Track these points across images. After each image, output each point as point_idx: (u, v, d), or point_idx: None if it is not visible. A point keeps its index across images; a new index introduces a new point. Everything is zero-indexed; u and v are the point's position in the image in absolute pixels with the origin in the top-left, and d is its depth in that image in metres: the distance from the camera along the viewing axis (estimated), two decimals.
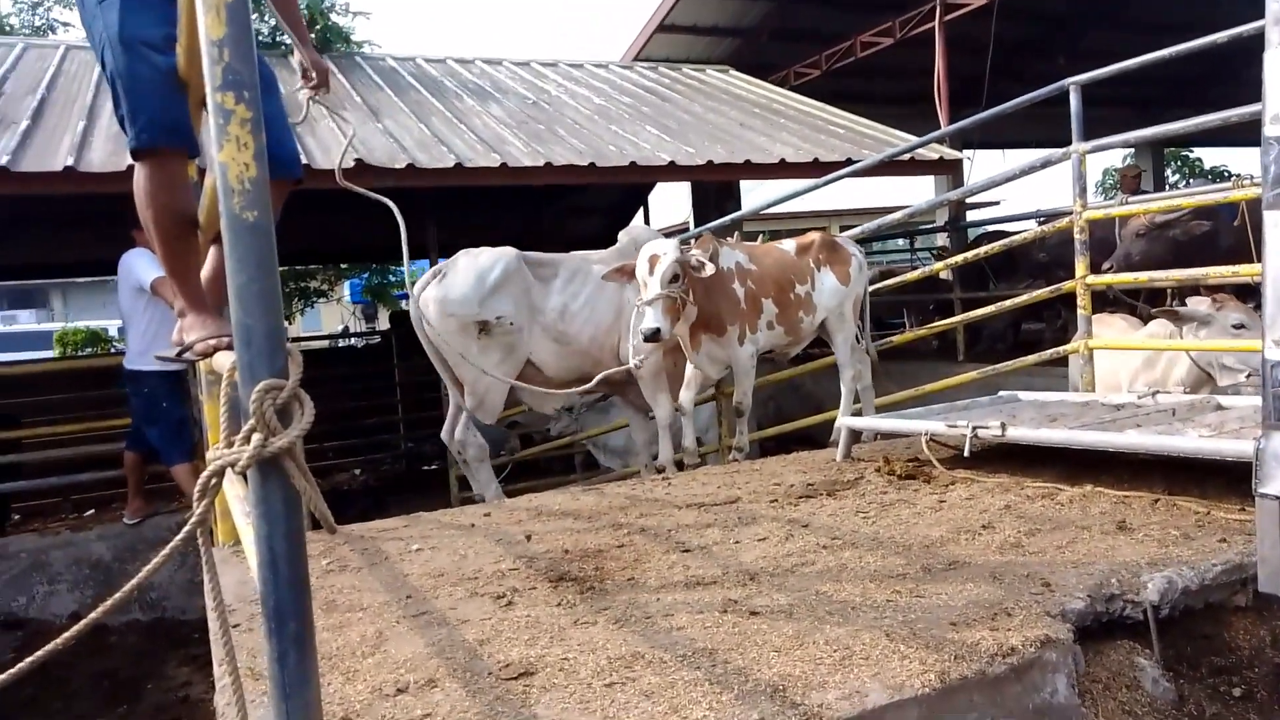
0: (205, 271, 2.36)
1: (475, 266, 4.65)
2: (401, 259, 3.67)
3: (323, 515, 1.28)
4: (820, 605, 2.05)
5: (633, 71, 10.78)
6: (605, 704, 1.62)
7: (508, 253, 4.76)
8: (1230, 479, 2.77)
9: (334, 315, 24.74)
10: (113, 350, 15.14)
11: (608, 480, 5.32)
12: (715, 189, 9.58)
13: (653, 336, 3.90)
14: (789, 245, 4.85)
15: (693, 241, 4.59)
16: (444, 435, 4.97)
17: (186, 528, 1.25)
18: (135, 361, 5.31)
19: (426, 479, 9.55)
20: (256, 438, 1.20)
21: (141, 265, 5.11)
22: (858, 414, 4.77)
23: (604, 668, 1.78)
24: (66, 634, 1.28)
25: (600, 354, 4.89)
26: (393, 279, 20.27)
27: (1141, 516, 2.67)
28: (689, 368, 4.45)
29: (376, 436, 10.51)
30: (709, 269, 3.99)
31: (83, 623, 1.32)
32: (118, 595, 1.36)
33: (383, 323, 20.23)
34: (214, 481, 1.23)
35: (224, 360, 1.36)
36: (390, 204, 3.39)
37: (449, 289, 4.61)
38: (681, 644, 1.88)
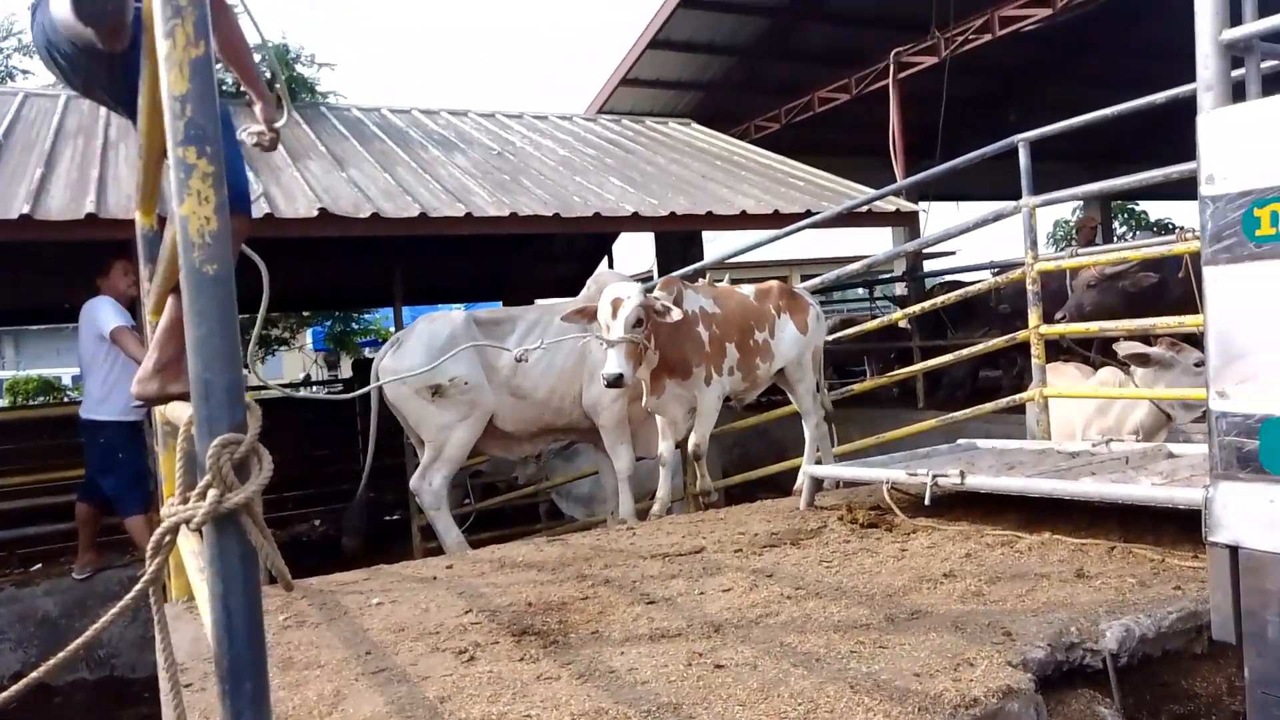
0: (162, 322, 2.32)
1: (426, 334, 4.95)
2: (362, 307, 3.68)
3: (279, 573, 1.26)
4: (785, 657, 2.04)
5: (596, 124, 10.93)
6: None
7: (457, 318, 5.02)
8: (1183, 526, 2.81)
9: (295, 363, 24.43)
10: (66, 400, 14.79)
11: (572, 530, 5.28)
12: (679, 238, 9.69)
13: (615, 382, 3.84)
14: (749, 290, 4.83)
15: (657, 285, 4.58)
16: (411, 483, 5.00)
17: (139, 585, 1.22)
18: (93, 411, 5.21)
19: (388, 529, 9.38)
20: (213, 493, 1.18)
21: (104, 313, 5.04)
22: (818, 463, 4.79)
23: None
24: (6, 694, 1.23)
25: (562, 404, 4.90)
26: (356, 326, 20.13)
27: (1099, 564, 2.71)
28: (659, 419, 4.41)
29: (337, 486, 10.33)
30: (675, 314, 3.96)
31: (23, 682, 1.27)
32: (62, 654, 1.32)
33: (345, 370, 20.01)
34: (168, 539, 1.21)
35: (181, 412, 1.34)
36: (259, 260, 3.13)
37: (400, 359, 4.93)
38: (646, 699, 1.86)
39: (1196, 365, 4.26)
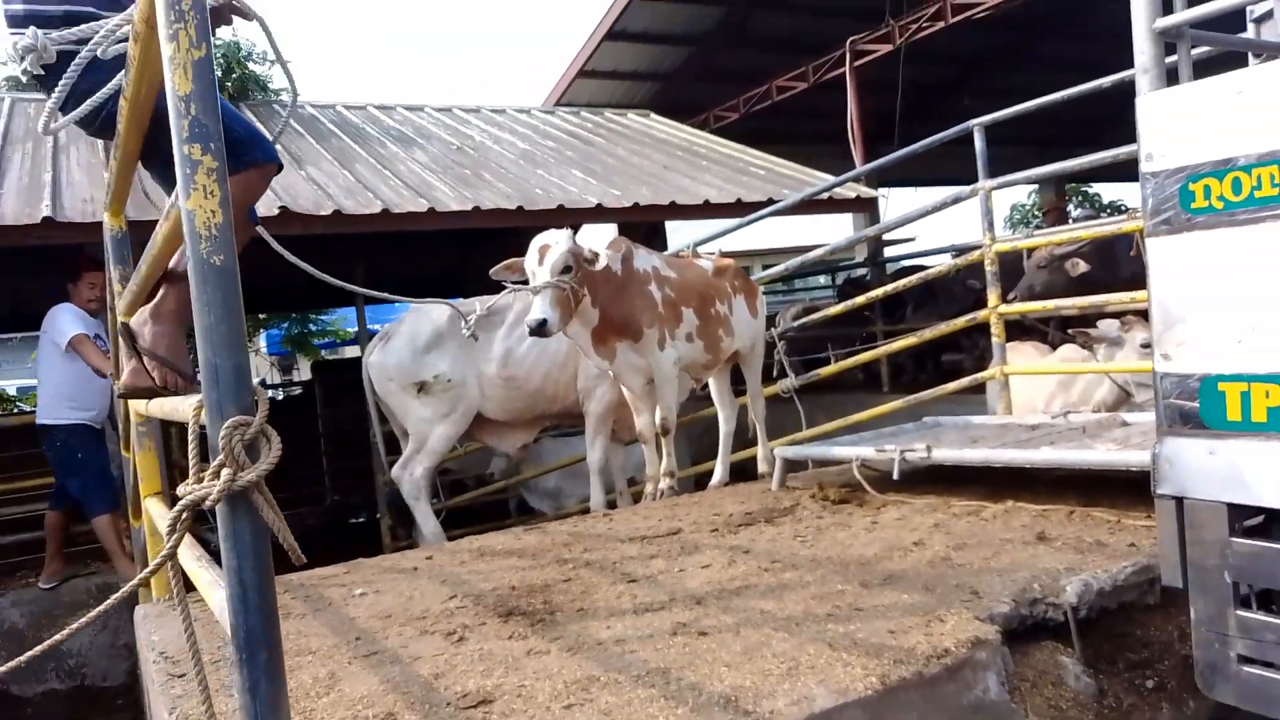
0: (150, 308, 2.35)
1: (411, 330, 5.03)
2: (322, 307, 3.74)
3: (291, 547, 1.32)
4: (766, 623, 2.14)
5: (555, 116, 10.95)
6: None
7: (442, 314, 5.04)
8: (1137, 489, 2.95)
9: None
10: (16, 410, 14.47)
11: (548, 520, 5.35)
12: (642, 229, 9.76)
13: (539, 328, 3.63)
14: (706, 264, 4.69)
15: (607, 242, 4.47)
16: (393, 471, 5.13)
17: (156, 560, 1.28)
18: (45, 415, 5.19)
19: (354, 532, 9.36)
20: (226, 472, 1.24)
21: (64, 320, 5.01)
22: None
23: (561, 692, 1.83)
24: None
25: (556, 389, 4.97)
26: (314, 327, 19.90)
27: (1059, 528, 2.84)
28: (627, 394, 4.33)
29: (301, 489, 10.26)
30: (602, 260, 3.79)
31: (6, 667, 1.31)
32: (65, 633, 1.37)
33: (303, 373, 19.81)
34: (184, 516, 1.26)
35: (186, 402, 1.40)
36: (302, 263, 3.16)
37: (387, 354, 5.04)
38: (635, 666, 1.94)
39: (1144, 346, 4.43)
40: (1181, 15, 1.81)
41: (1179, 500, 1.85)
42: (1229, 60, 2.20)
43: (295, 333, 19.24)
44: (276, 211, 5.91)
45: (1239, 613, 1.79)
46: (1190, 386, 1.79)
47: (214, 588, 1.52)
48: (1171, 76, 1.84)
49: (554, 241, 3.80)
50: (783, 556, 2.80)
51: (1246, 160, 1.66)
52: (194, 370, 2.56)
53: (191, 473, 1.27)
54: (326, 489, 10.30)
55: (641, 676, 1.86)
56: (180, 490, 1.26)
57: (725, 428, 4.78)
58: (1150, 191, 1.81)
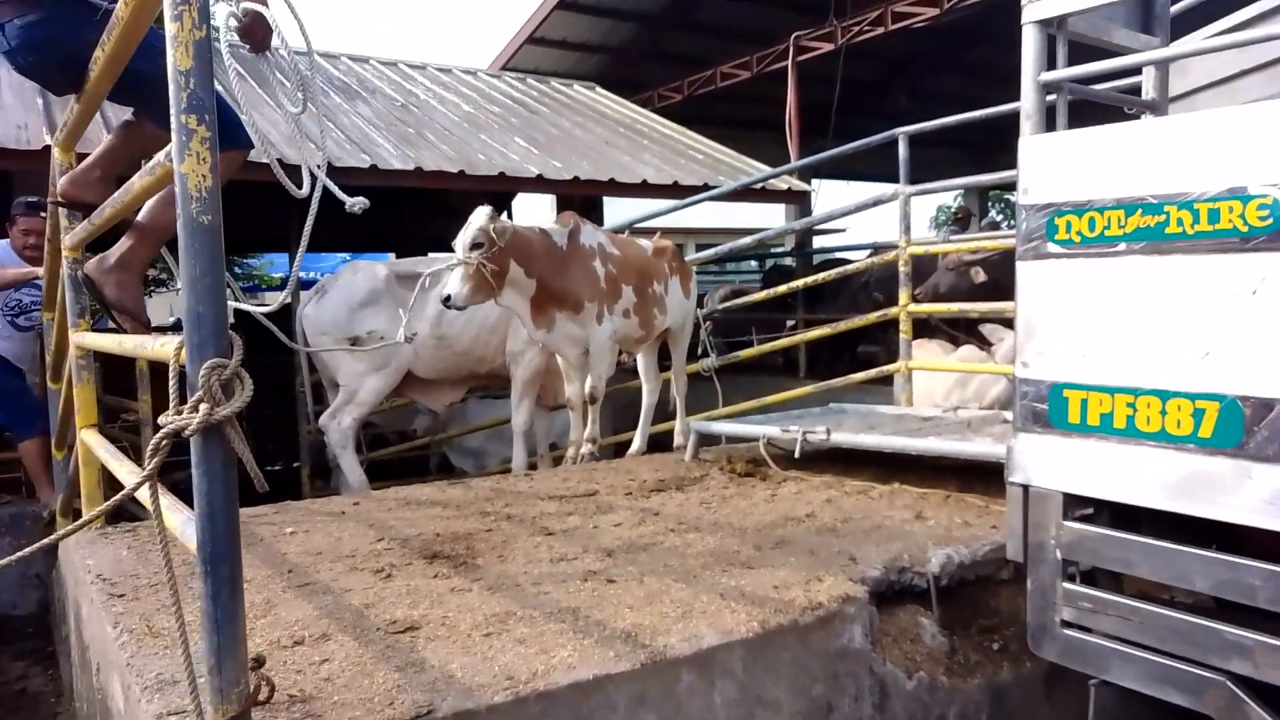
0: (115, 258, 2.47)
1: (347, 286, 5.15)
2: (254, 253, 3.78)
3: (256, 475, 1.51)
4: (667, 575, 2.39)
5: (501, 81, 10.96)
6: (484, 649, 1.90)
7: (378, 272, 5.19)
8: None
9: (164, 306, 23.37)
10: None
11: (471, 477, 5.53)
12: (579, 203, 9.91)
13: (444, 302, 3.88)
14: (646, 245, 4.91)
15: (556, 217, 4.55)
16: (321, 420, 5.28)
17: (137, 480, 1.45)
18: None
19: (271, 480, 9.34)
20: (204, 407, 1.42)
21: None
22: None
23: (480, 623, 2.05)
24: None
25: (485, 352, 5.14)
26: (238, 271, 19.44)
27: (935, 509, 3.17)
28: (560, 362, 4.52)
29: None
30: (507, 235, 3.92)
31: None
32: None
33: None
34: (164, 443, 1.43)
35: (167, 343, 1.56)
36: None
37: (322, 308, 5.15)
38: (548, 604, 2.17)
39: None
40: (1063, 72, 2.10)
41: (1025, 488, 2.16)
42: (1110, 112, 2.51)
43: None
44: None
45: (1065, 585, 2.11)
46: (1042, 392, 2.09)
47: (173, 511, 1.69)
48: (1052, 119, 2.12)
49: (473, 219, 3.96)
50: (688, 519, 3.06)
51: (1102, 203, 1.95)
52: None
53: (172, 406, 1.44)
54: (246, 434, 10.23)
55: (554, 613, 2.10)
56: (161, 420, 1.43)
57: (648, 400, 5.03)
58: (1024, 220, 2.09)
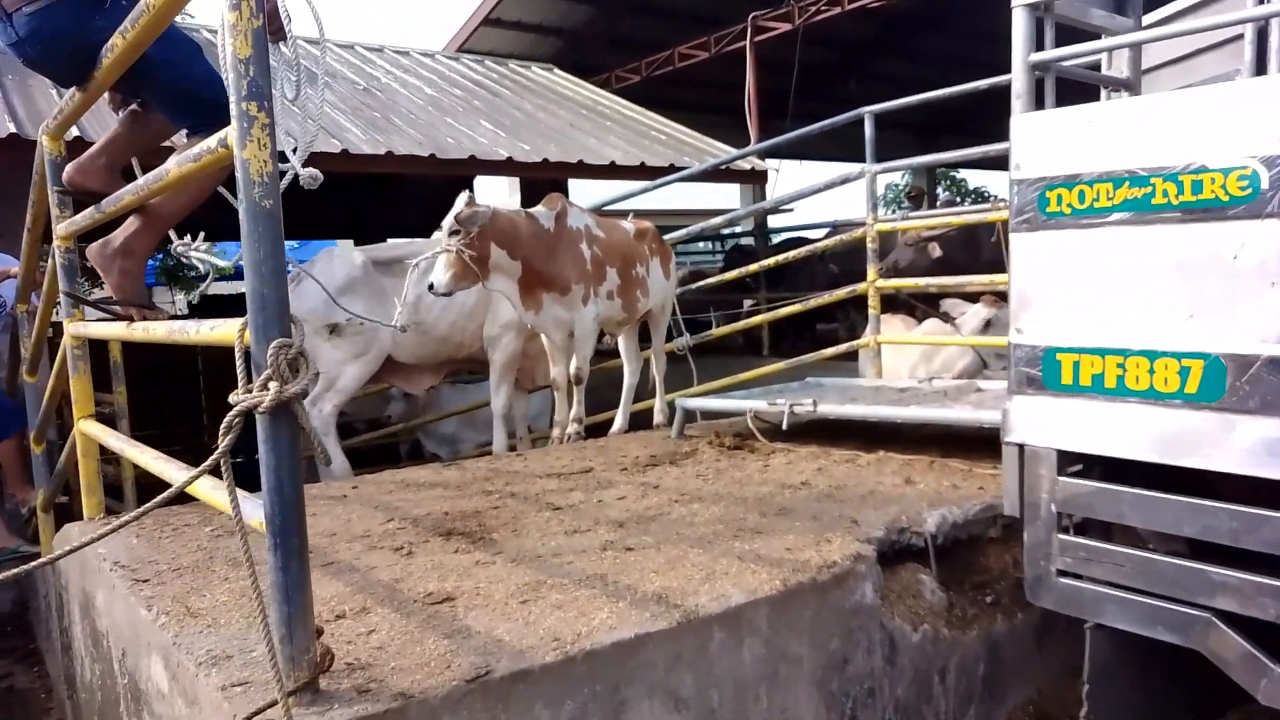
0: (119, 243, 2.48)
1: (325, 274, 5.01)
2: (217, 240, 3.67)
3: (323, 449, 1.56)
4: (682, 542, 2.49)
5: (460, 64, 10.90)
6: (524, 615, 1.98)
7: (355, 259, 5.13)
8: (987, 445, 3.45)
9: None
10: None
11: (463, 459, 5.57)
12: (548, 186, 9.92)
13: (429, 289, 4.02)
14: (629, 226, 4.98)
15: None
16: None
17: (211, 459, 1.50)
18: None
19: (251, 471, 9.24)
20: (274, 385, 1.48)
21: None
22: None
23: (514, 592, 2.13)
24: None
25: (463, 337, 5.16)
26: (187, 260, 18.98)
27: (922, 474, 3.32)
28: (546, 342, 4.57)
29: (175, 428, 10.01)
30: (481, 218, 3.97)
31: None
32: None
33: (178, 307, 18.95)
34: (237, 420, 1.49)
35: (230, 326, 1.60)
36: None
37: (300, 297, 4.96)
38: (575, 573, 2.26)
39: (987, 324, 5.09)
40: (1052, 52, 2.22)
41: (1021, 447, 2.30)
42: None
43: (169, 264, 18.34)
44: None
45: (1060, 536, 2.25)
46: (1036, 356, 2.23)
47: (217, 491, 1.74)
48: (1042, 98, 2.25)
49: (454, 206, 4.01)
50: (689, 491, 3.16)
51: (1090, 176, 2.09)
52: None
53: (240, 385, 1.49)
54: (204, 427, 10.10)
55: (583, 580, 2.18)
56: (232, 398, 1.48)
57: (630, 380, 5.11)
58: (1016, 194, 2.22)
